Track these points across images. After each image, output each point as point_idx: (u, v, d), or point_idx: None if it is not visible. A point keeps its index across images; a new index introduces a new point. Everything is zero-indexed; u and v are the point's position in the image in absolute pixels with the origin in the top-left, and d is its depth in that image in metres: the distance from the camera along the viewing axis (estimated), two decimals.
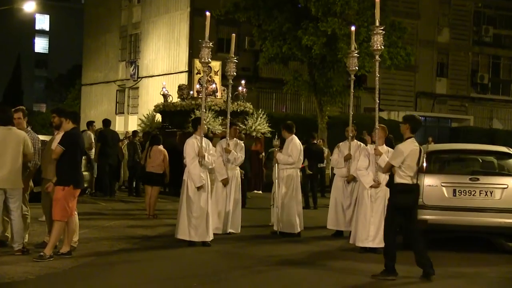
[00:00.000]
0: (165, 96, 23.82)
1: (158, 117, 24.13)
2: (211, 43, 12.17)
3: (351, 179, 13.43)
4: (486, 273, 10.47)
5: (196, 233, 11.90)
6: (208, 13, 12.12)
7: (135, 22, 40.45)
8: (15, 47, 72.37)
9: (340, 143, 14.14)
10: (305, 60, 27.89)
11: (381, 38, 11.62)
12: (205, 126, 13.99)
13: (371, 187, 11.76)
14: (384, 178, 11.74)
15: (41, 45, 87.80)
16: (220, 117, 21.07)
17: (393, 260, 9.60)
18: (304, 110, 37.80)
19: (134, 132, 22.92)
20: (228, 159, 13.62)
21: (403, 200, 9.69)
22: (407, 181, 9.66)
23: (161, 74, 37.06)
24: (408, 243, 12.35)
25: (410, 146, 9.75)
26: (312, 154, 19.13)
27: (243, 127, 21.96)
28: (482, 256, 11.94)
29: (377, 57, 11.94)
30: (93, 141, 20.14)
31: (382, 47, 11.71)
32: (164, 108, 23.48)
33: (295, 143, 13.64)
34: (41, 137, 11.95)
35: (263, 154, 24.09)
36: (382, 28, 11.62)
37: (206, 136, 13.67)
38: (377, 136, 11.80)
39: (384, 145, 12.03)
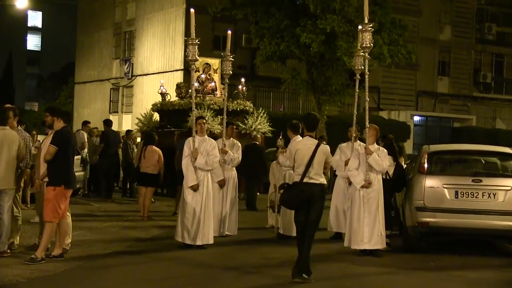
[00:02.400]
0: (163, 94, 23.74)
1: (156, 116, 24.06)
2: (197, 40, 12.12)
3: None
4: (489, 277, 10.45)
5: (188, 235, 11.88)
6: (192, 10, 12.09)
7: (130, 19, 40.43)
8: (6, 44, 72.36)
9: (342, 144, 14.07)
10: (304, 58, 27.88)
11: (370, 36, 11.61)
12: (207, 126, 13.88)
13: (362, 187, 11.72)
14: (375, 177, 11.73)
15: (33, 42, 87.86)
16: (219, 116, 21.00)
17: (307, 262, 9.48)
18: (302, 109, 37.72)
19: (128, 132, 22.82)
20: (225, 160, 13.56)
21: (286, 198, 9.72)
22: (296, 179, 9.62)
23: (156, 72, 37.06)
24: (408, 246, 12.39)
25: (298, 145, 9.84)
26: None
27: (243, 126, 21.84)
28: (485, 260, 11.92)
29: (366, 54, 11.96)
30: (86, 140, 20.10)
31: (372, 44, 11.72)
32: (162, 107, 23.38)
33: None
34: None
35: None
36: (371, 25, 11.62)
37: (213, 136, 13.66)
38: (367, 134, 11.81)
39: (375, 143, 12.04)
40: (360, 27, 12.93)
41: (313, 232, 9.75)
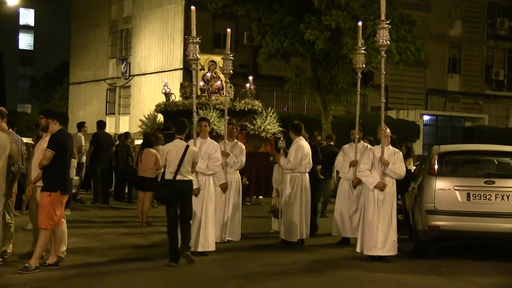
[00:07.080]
0: (167, 94, 23.69)
1: (160, 117, 24.00)
2: (198, 39, 12.13)
3: (356, 182, 13.29)
4: (502, 283, 10.46)
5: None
6: (193, 7, 12.11)
7: (126, 16, 40.45)
8: None
9: (345, 146, 14.08)
10: (308, 56, 27.87)
11: (387, 33, 11.61)
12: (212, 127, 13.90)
13: (375, 187, 11.73)
14: (390, 180, 11.75)
15: (25, 41, 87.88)
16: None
17: (175, 251, 10.98)
18: (307, 109, 37.79)
19: (126, 134, 22.82)
20: (227, 162, 13.52)
21: (161, 195, 11.44)
22: (169, 177, 11.06)
23: (154, 71, 37.09)
24: (418, 251, 12.38)
25: (170, 146, 11.30)
26: (327, 157, 18.36)
27: (251, 127, 21.74)
28: (498, 265, 11.90)
29: (382, 53, 11.96)
30: (83, 144, 20.05)
31: (388, 42, 11.71)
32: (166, 108, 23.30)
33: (298, 147, 13.49)
34: (24, 140, 11.96)
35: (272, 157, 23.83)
36: (388, 22, 11.61)
37: (214, 137, 13.63)
38: (383, 136, 11.81)
39: (390, 145, 12.04)
40: (360, 23, 12.98)
41: (190, 226, 11.38)
